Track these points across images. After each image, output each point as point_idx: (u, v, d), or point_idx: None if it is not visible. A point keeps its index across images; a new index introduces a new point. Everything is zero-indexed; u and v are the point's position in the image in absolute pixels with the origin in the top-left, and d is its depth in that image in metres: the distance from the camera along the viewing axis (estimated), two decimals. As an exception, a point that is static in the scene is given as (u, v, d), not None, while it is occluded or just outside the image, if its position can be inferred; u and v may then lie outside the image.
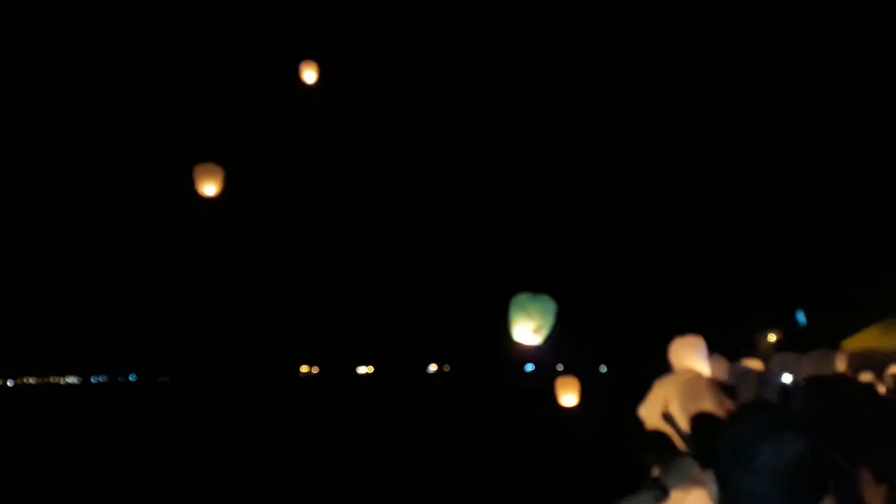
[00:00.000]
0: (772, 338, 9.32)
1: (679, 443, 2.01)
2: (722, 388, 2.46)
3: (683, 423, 2.10)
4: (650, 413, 2.25)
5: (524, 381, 16.82)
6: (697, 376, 2.25)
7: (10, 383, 35.16)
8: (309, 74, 5.36)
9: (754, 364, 3.09)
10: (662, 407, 2.21)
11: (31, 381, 38.54)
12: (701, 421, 1.94)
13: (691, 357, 2.28)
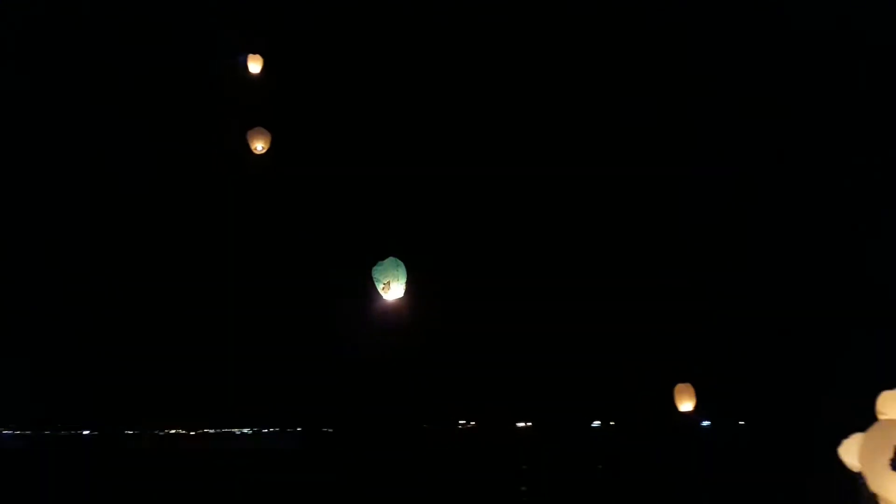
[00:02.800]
0: None
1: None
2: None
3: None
4: (871, 461, 2.29)
5: (700, 438, 15.45)
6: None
7: (191, 433, 37.78)
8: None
9: None
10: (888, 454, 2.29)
11: (210, 430, 41.52)
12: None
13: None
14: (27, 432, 18.18)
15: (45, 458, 16.23)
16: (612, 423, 20.69)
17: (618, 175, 17.21)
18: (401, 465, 15.04)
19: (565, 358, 18.15)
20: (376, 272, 10.03)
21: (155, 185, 16.89)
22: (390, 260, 10.13)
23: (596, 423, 21.60)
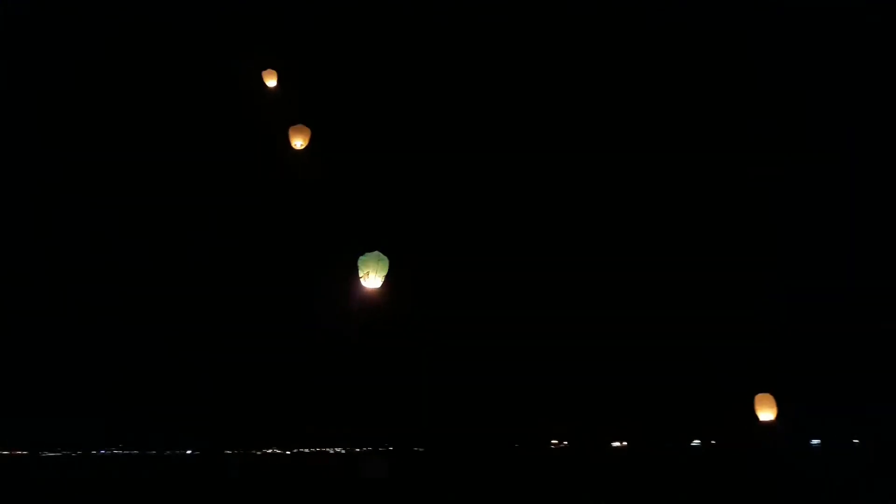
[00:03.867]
0: None
1: None
2: None
3: None
4: None
5: (808, 457, 14.46)
6: None
7: (287, 452, 38.73)
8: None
9: None
10: None
11: (306, 450, 42.41)
12: None
13: None
14: (133, 452, 18.73)
15: (150, 477, 16.75)
16: (712, 441, 19.62)
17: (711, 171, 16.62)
18: (494, 490, 14.73)
19: (649, 367, 17.38)
20: (360, 262, 10.42)
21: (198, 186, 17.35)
22: (374, 253, 10.52)
23: (696, 442, 20.53)
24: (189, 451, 19.71)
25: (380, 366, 17.15)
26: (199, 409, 16.96)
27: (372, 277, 10.40)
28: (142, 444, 18.30)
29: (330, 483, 16.48)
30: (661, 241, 17.14)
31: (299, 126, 11.87)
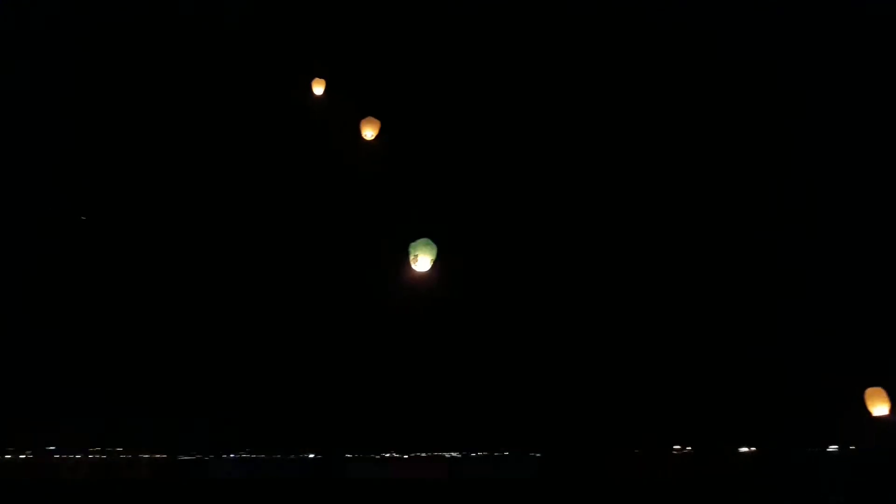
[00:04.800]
0: None
1: None
2: None
3: None
4: None
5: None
6: None
7: (405, 456, 39.17)
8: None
9: None
10: None
11: (423, 454, 42.67)
12: None
13: None
14: (256, 456, 19.48)
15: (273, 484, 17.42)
16: (851, 447, 18.12)
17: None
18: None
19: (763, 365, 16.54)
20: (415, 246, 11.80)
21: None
22: (424, 239, 11.82)
23: (833, 448, 19.03)
24: (311, 455, 20.28)
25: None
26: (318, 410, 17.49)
27: (421, 261, 11.82)
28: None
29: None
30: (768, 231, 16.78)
31: (369, 118, 12.52)
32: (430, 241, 11.98)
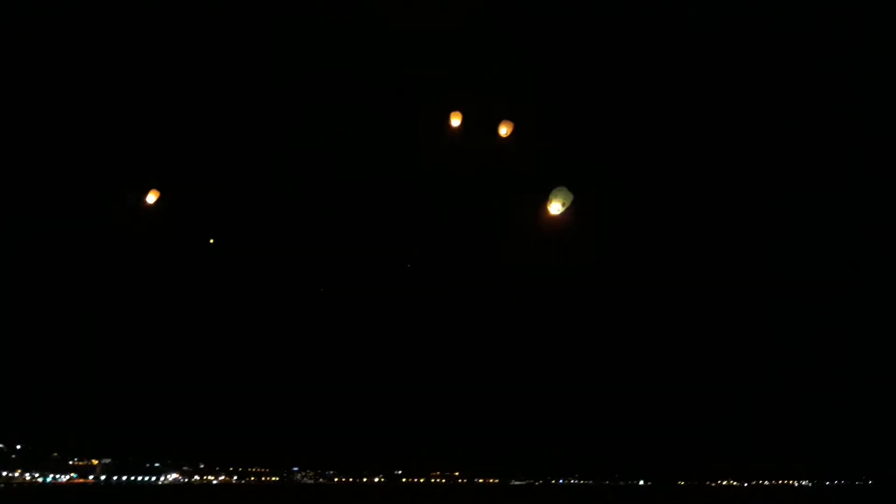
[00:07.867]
0: None
1: None
2: None
3: None
4: None
5: None
6: None
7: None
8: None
9: None
10: None
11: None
12: None
13: None
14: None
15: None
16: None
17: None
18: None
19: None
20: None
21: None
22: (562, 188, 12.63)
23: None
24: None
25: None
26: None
27: (555, 205, 12.32)
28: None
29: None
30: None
31: (506, 121, 15.73)
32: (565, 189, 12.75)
